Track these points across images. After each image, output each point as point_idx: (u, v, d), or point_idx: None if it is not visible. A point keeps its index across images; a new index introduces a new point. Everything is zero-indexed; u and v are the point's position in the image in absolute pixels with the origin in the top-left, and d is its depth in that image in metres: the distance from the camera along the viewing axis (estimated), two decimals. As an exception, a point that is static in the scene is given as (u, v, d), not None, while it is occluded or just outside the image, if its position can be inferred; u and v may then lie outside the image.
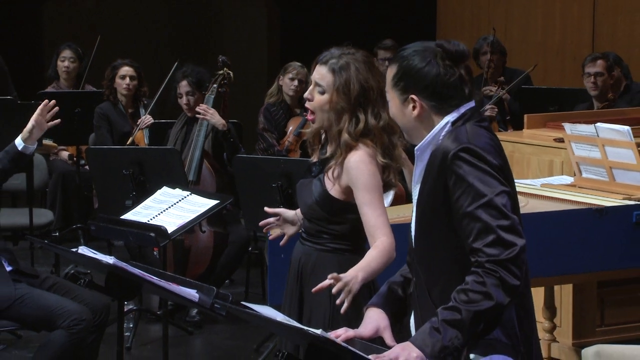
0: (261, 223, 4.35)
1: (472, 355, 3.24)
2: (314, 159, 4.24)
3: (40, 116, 5.50)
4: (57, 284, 5.67)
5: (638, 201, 5.81)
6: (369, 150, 4.02)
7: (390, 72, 3.36)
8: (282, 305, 4.30)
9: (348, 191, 4.08)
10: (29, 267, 5.69)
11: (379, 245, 3.98)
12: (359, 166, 3.98)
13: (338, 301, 3.84)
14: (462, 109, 3.34)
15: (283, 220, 4.28)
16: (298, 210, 4.32)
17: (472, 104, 3.38)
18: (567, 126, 6.09)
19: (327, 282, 3.83)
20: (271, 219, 4.31)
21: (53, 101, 5.54)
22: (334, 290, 3.82)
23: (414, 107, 3.32)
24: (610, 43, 10.53)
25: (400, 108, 3.35)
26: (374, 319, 3.45)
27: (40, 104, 5.53)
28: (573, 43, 10.98)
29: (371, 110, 4.02)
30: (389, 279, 3.58)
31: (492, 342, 3.25)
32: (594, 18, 11.02)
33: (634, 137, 6.01)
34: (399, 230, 4.99)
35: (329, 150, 4.10)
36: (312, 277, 4.12)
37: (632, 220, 5.64)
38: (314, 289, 3.90)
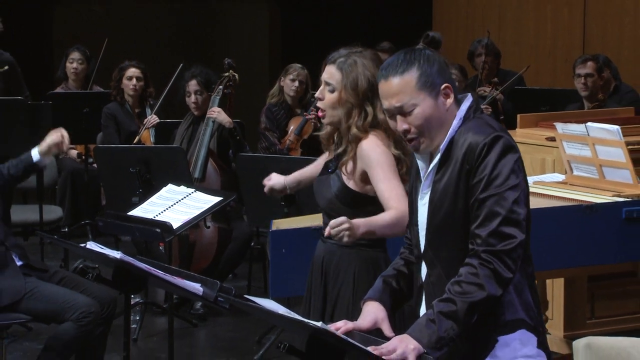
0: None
1: (499, 338, 3.24)
2: (330, 156, 4.22)
3: (62, 137, 5.49)
4: (66, 278, 5.67)
5: (627, 198, 5.81)
6: (379, 136, 3.99)
7: (409, 79, 3.28)
8: (303, 303, 4.25)
9: (365, 182, 4.05)
10: (38, 262, 5.70)
11: (386, 215, 3.94)
12: (370, 148, 3.97)
13: (331, 231, 3.81)
14: (468, 101, 3.35)
15: (270, 189, 4.27)
16: (287, 178, 4.40)
17: (469, 94, 3.40)
18: (559, 125, 6.09)
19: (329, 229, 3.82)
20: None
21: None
22: (329, 228, 3.80)
23: (446, 95, 3.30)
24: (600, 45, 10.52)
25: (434, 105, 3.29)
26: (372, 312, 3.44)
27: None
28: (564, 45, 10.98)
29: (380, 105, 4.01)
30: (381, 274, 3.57)
31: (518, 322, 3.26)
32: (584, 21, 11.02)
33: (624, 136, 6.01)
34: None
35: (342, 145, 4.09)
36: (335, 274, 4.08)
37: (622, 217, 5.64)
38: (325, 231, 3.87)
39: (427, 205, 3.35)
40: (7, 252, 5.48)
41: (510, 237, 3.15)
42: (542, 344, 3.31)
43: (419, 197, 3.39)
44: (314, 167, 4.41)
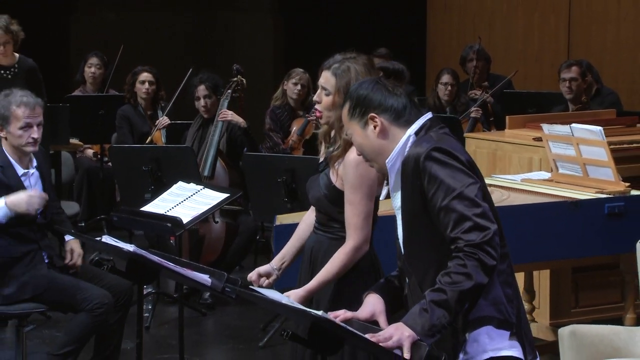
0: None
1: (467, 335, 3.25)
2: (322, 156, 4.22)
3: (37, 198, 5.38)
4: (83, 270, 5.67)
5: (609, 195, 5.81)
6: None
7: (345, 110, 3.37)
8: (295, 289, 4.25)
9: None
10: (59, 259, 5.67)
11: (345, 251, 3.98)
12: (351, 166, 3.96)
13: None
14: (422, 120, 3.34)
15: (258, 276, 4.22)
16: (273, 262, 4.29)
17: (429, 114, 3.37)
18: (545, 126, 6.09)
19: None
20: (253, 277, 4.25)
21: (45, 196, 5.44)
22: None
23: (375, 126, 3.31)
24: (583, 51, 10.51)
25: (362, 134, 3.33)
26: (371, 304, 3.44)
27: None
28: (550, 51, 10.97)
29: None
30: (386, 275, 3.57)
31: (484, 319, 3.26)
32: (569, 29, 11.01)
33: (606, 136, 6.00)
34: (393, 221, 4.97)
35: (335, 145, 4.09)
36: (323, 263, 4.09)
37: (604, 212, 5.63)
38: None
39: (400, 220, 3.36)
40: (39, 251, 5.48)
41: (486, 228, 3.13)
42: (517, 335, 3.29)
43: (396, 213, 3.39)
44: (295, 239, 4.38)
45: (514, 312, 3.30)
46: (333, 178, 4.05)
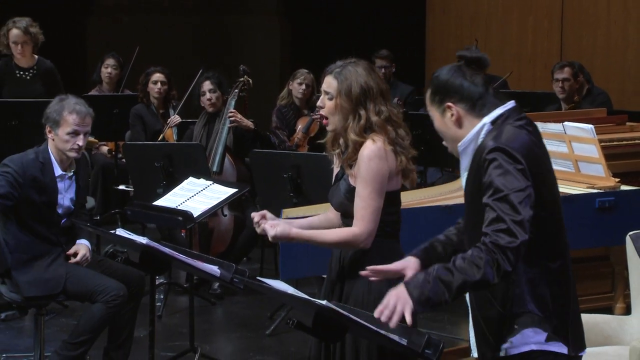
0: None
1: (515, 326, 3.26)
2: (336, 165, 4.14)
3: None
4: (98, 261, 5.66)
5: (600, 190, 5.79)
6: (379, 144, 3.90)
7: (427, 95, 3.40)
8: (323, 290, 4.16)
9: None
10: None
11: (346, 231, 3.92)
12: (364, 160, 3.90)
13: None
14: (501, 110, 3.34)
15: (261, 216, 4.12)
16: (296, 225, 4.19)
17: (511, 104, 3.38)
18: (539, 125, 6.02)
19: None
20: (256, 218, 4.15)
21: None
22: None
23: (451, 114, 3.33)
24: (575, 53, 10.50)
25: (441, 120, 3.36)
26: (407, 260, 3.47)
27: None
28: (543, 53, 10.95)
29: (372, 107, 3.95)
30: (434, 237, 3.59)
31: (526, 314, 3.27)
32: (561, 31, 10.99)
33: (597, 134, 5.99)
34: (412, 214, 4.94)
35: (343, 147, 4.02)
36: (352, 265, 4.02)
37: (595, 206, 5.62)
38: None
39: (465, 197, 3.40)
40: (61, 252, 5.47)
41: (514, 236, 3.12)
42: (560, 332, 3.28)
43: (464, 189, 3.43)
44: (307, 220, 4.29)
45: (559, 310, 3.29)
46: (351, 180, 3.98)
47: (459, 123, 3.33)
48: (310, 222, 4.14)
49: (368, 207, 3.88)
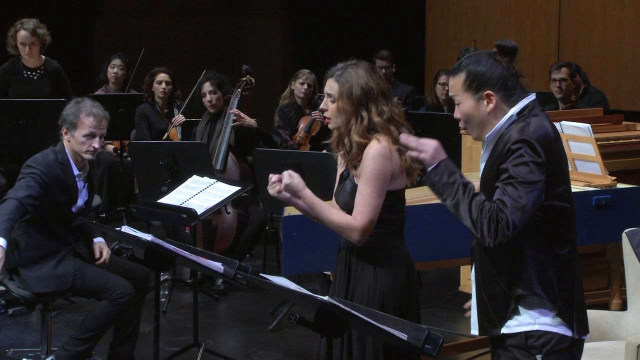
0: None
1: (518, 306, 3.35)
2: (341, 165, 4.12)
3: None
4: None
5: (597, 188, 5.78)
6: (384, 143, 3.89)
7: (459, 79, 3.40)
8: (330, 289, 4.15)
9: None
10: (83, 248, 5.66)
11: (348, 218, 3.89)
12: (368, 159, 3.88)
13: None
14: (526, 101, 3.39)
15: (278, 177, 4.06)
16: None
17: (533, 96, 3.43)
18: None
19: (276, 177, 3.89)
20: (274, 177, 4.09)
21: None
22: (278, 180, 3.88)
23: (488, 102, 3.37)
24: (572, 53, 10.50)
25: (474, 106, 3.39)
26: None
27: None
28: (541, 53, 10.95)
29: (374, 108, 3.95)
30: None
31: (533, 296, 3.34)
32: (559, 32, 10.98)
33: (593, 133, 5.98)
34: (413, 211, 4.92)
35: (349, 148, 4.01)
36: (360, 259, 4.01)
37: (592, 204, 5.61)
38: None
39: (480, 182, 3.45)
40: (70, 251, 5.46)
41: (510, 219, 3.22)
42: (565, 315, 3.36)
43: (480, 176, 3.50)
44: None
45: (564, 295, 3.35)
46: (356, 180, 3.97)
47: (494, 112, 3.37)
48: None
49: (368, 205, 3.87)
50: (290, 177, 3.90)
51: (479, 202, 3.25)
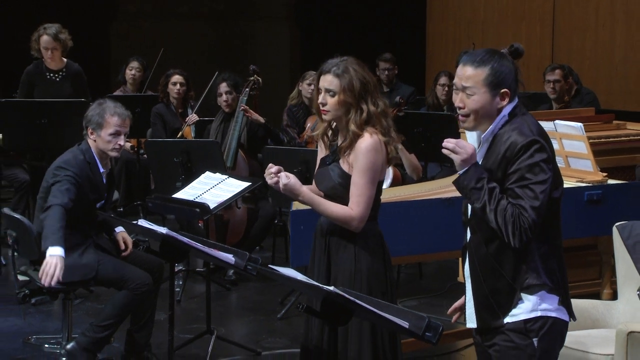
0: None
1: (522, 295, 3.36)
2: (321, 149, 4.17)
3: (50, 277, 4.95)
4: (119, 250, 5.66)
5: (588, 184, 5.78)
6: (375, 137, 3.94)
7: (481, 72, 3.37)
8: (307, 269, 4.20)
9: None
10: (104, 241, 5.67)
11: (346, 209, 3.93)
12: (362, 152, 3.93)
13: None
14: (515, 101, 3.41)
15: (278, 169, 4.05)
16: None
17: (516, 98, 3.44)
18: (532, 123, 6.04)
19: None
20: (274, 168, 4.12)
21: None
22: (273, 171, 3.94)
23: (502, 100, 3.38)
24: (566, 56, 10.48)
25: (490, 100, 3.37)
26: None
27: None
28: (536, 56, 10.93)
29: (370, 100, 3.98)
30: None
31: (540, 285, 3.36)
32: (553, 36, 10.97)
33: (585, 131, 5.98)
34: (396, 207, 4.95)
35: (340, 139, 4.06)
36: (337, 243, 4.04)
37: (584, 199, 5.62)
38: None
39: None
40: (92, 243, 5.47)
41: (531, 219, 3.25)
42: (564, 302, 3.41)
43: None
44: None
45: (563, 282, 3.40)
46: (345, 167, 4.00)
47: (503, 108, 3.38)
48: (315, 191, 4.16)
49: (363, 195, 3.92)
50: (287, 177, 3.94)
51: (503, 208, 3.26)
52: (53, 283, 4.87)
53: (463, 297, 3.57)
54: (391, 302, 3.71)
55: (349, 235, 4.01)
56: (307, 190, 3.98)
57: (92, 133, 5.46)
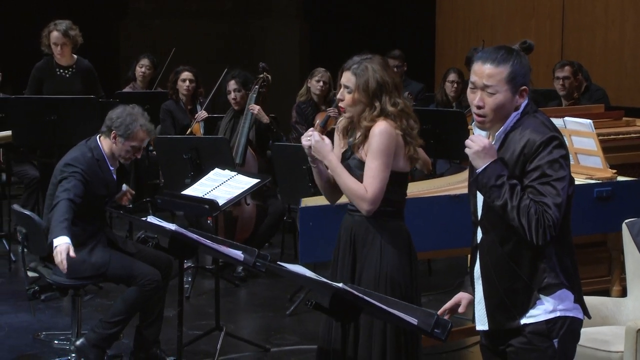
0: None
1: (541, 295, 3.31)
2: (339, 144, 4.19)
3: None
4: (129, 247, 5.66)
5: (598, 180, 5.77)
6: (389, 124, 3.95)
7: (502, 70, 3.31)
8: (330, 268, 4.16)
9: None
10: (112, 234, 5.67)
11: (361, 186, 3.94)
12: (375, 135, 3.95)
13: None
14: (526, 99, 3.37)
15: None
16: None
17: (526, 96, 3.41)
18: (541, 120, 6.03)
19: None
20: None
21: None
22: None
23: (520, 97, 3.34)
24: (575, 52, 10.45)
25: (510, 98, 3.32)
26: (460, 294, 3.55)
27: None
28: (545, 52, 10.90)
29: (388, 99, 4.00)
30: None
31: (558, 285, 3.31)
32: (562, 32, 10.94)
33: (595, 128, 5.96)
34: (423, 202, 4.91)
35: (357, 135, 4.07)
36: (363, 242, 4.02)
37: (593, 196, 5.60)
38: None
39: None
40: (103, 239, 5.47)
41: (554, 216, 3.20)
42: (579, 301, 3.38)
43: None
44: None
45: (577, 280, 3.38)
46: (362, 157, 4.02)
47: (518, 106, 3.34)
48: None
49: (376, 177, 3.93)
50: (322, 139, 4.00)
51: (526, 205, 3.19)
52: (65, 266, 4.85)
53: (453, 298, 3.53)
54: (416, 304, 3.72)
55: (375, 234, 3.99)
56: (335, 156, 4.01)
57: (115, 137, 5.43)
